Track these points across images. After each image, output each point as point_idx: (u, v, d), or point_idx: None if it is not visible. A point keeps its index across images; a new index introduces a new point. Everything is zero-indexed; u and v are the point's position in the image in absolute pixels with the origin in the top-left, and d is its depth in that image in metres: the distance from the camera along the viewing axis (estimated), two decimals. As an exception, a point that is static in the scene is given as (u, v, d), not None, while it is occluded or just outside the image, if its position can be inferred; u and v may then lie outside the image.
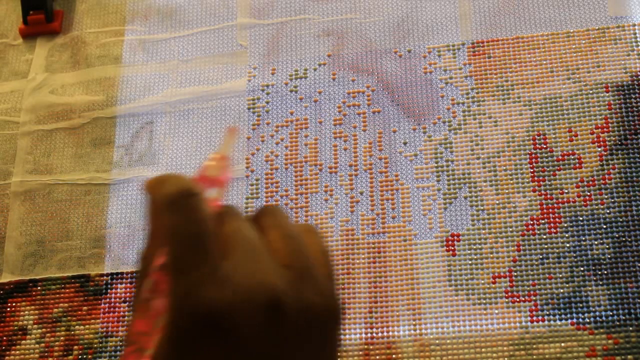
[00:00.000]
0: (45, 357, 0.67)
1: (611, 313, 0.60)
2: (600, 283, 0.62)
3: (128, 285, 0.68)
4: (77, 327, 0.68)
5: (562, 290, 0.62)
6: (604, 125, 0.66)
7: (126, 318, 0.67)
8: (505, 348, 0.61)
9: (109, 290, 0.69)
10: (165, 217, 0.32)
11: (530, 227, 0.64)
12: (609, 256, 0.62)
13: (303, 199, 0.69)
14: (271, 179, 0.70)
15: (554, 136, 0.67)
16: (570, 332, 0.60)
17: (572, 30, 0.70)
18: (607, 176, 0.65)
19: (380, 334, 0.63)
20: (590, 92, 0.68)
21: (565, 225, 0.64)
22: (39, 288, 0.70)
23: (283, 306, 0.31)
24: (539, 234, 0.64)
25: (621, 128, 0.66)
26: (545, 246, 0.63)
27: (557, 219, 0.64)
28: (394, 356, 0.62)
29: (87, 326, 0.67)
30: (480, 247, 0.64)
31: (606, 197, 0.64)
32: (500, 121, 0.68)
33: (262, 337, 0.31)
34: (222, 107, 0.74)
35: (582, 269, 0.62)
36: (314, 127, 0.71)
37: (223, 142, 0.37)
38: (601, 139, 0.66)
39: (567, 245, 0.63)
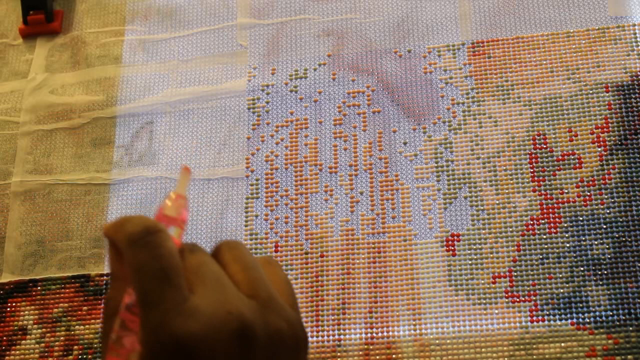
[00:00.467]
0: (45, 357, 0.67)
1: (611, 313, 0.60)
2: (600, 283, 0.62)
3: (128, 285, 0.68)
4: (77, 327, 0.68)
5: (562, 290, 0.62)
6: (604, 125, 0.66)
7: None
8: (505, 348, 0.61)
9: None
10: (130, 255, 0.33)
11: (530, 227, 0.64)
12: (609, 256, 0.62)
13: (303, 199, 0.69)
14: (271, 179, 0.70)
15: (554, 136, 0.67)
16: (570, 332, 0.60)
17: (572, 30, 0.70)
18: (607, 176, 0.65)
19: (380, 334, 0.63)
20: (590, 92, 0.68)
21: (565, 225, 0.64)
22: (39, 288, 0.70)
23: (252, 334, 0.32)
24: (539, 234, 0.64)
25: (621, 128, 0.66)
26: (545, 246, 0.63)
27: (557, 219, 0.64)
28: (394, 356, 0.62)
29: (87, 326, 0.67)
30: (480, 247, 0.64)
31: (606, 197, 0.64)
32: (500, 121, 0.68)
33: None
34: (222, 107, 0.74)
35: (582, 269, 0.62)
36: (314, 127, 0.71)
37: (178, 181, 0.38)
38: (601, 139, 0.66)
39: (567, 245, 0.63)
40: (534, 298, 0.62)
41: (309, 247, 0.67)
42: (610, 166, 0.65)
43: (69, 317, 0.68)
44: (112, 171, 0.73)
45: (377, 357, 0.62)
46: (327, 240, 0.67)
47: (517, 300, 0.62)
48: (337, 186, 0.69)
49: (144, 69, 0.77)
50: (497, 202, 0.65)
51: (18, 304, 0.70)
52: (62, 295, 0.69)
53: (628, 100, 0.67)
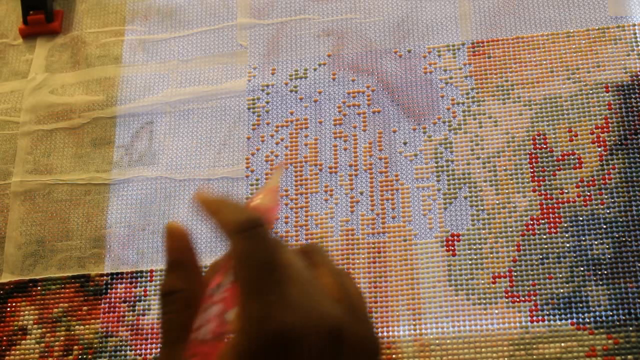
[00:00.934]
0: (45, 357, 0.67)
1: (611, 313, 0.60)
2: (600, 283, 0.62)
3: (128, 285, 0.68)
4: (77, 327, 0.68)
5: (562, 290, 0.62)
6: (604, 125, 0.66)
7: (126, 318, 0.67)
8: (505, 348, 0.61)
9: (109, 290, 0.69)
10: (236, 243, 0.33)
11: (530, 227, 0.64)
12: (609, 256, 0.62)
13: (303, 199, 0.69)
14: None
15: (554, 136, 0.67)
16: (570, 332, 0.60)
17: (572, 30, 0.70)
18: (607, 176, 0.65)
19: (380, 334, 0.63)
20: (590, 92, 0.68)
21: (565, 225, 0.64)
22: (39, 288, 0.70)
23: (343, 336, 0.33)
24: (539, 234, 0.64)
25: (621, 128, 0.66)
26: (545, 246, 0.63)
27: (557, 219, 0.64)
28: (394, 356, 0.62)
29: (87, 326, 0.67)
30: (480, 247, 0.64)
31: (606, 197, 0.64)
32: (500, 121, 0.68)
33: None
34: (222, 107, 0.74)
35: (582, 269, 0.62)
36: (314, 127, 0.71)
37: (272, 175, 0.38)
38: (601, 139, 0.66)
39: (567, 245, 0.63)
40: (534, 298, 0.62)
41: (309, 247, 0.67)
42: (610, 166, 0.65)
43: (69, 317, 0.68)
44: (112, 171, 0.73)
45: (377, 357, 0.62)
46: (327, 240, 0.67)
47: (517, 300, 0.62)
48: (337, 186, 0.69)
49: (144, 69, 0.77)
50: (497, 202, 0.65)
51: (18, 304, 0.70)
52: (62, 295, 0.69)
53: (628, 100, 0.67)
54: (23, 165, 0.75)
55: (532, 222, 0.64)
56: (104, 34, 0.79)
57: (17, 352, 0.68)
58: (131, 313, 0.67)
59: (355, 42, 0.74)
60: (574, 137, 0.66)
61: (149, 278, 0.68)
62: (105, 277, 0.69)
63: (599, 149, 0.66)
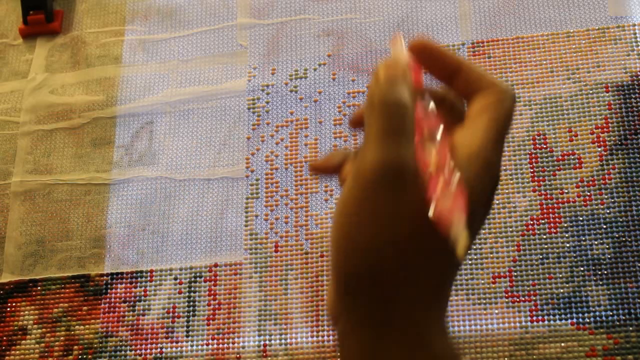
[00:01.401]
0: (45, 357, 0.67)
1: (611, 313, 0.60)
2: (600, 283, 0.62)
3: (128, 285, 0.68)
4: (77, 327, 0.68)
5: (562, 290, 0.62)
6: (604, 125, 0.66)
7: (126, 318, 0.67)
8: (505, 348, 0.61)
9: (109, 290, 0.69)
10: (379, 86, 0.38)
11: (530, 227, 0.64)
12: (609, 256, 0.62)
13: (303, 199, 0.69)
14: (271, 179, 0.70)
15: (554, 136, 0.67)
16: (570, 332, 0.60)
17: (572, 30, 0.70)
18: (607, 176, 0.65)
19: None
20: (590, 92, 0.68)
21: (565, 225, 0.64)
22: (39, 288, 0.70)
23: (473, 155, 0.38)
24: (539, 234, 0.64)
25: (621, 128, 0.66)
26: (545, 246, 0.63)
27: (557, 219, 0.64)
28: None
29: (87, 326, 0.67)
30: (480, 247, 0.64)
31: (606, 197, 0.64)
32: (500, 121, 0.68)
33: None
34: (222, 107, 0.74)
35: (582, 269, 0.62)
36: (314, 127, 0.71)
37: (393, 49, 0.41)
38: (601, 139, 0.66)
39: (567, 245, 0.63)
40: (534, 298, 0.62)
41: (309, 247, 0.67)
42: (610, 166, 0.65)
43: (69, 317, 0.68)
44: (112, 171, 0.73)
45: (377, 357, 0.62)
46: (327, 240, 0.67)
47: (517, 300, 0.62)
48: (337, 186, 0.69)
49: (144, 69, 0.77)
50: (497, 202, 0.65)
51: (18, 304, 0.70)
52: (62, 295, 0.69)
53: (628, 100, 0.67)
54: (23, 165, 0.75)
55: (532, 222, 0.64)
56: (104, 34, 0.79)
57: (17, 352, 0.68)
58: (131, 313, 0.67)
59: (355, 42, 0.74)
60: (574, 137, 0.66)
61: (149, 278, 0.68)
62: (105, 277, 0.69)
63: (599, 149, 0.66)
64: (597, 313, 0.61)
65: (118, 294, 0.68)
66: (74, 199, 0.73)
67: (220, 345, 0.65)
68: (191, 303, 0.67)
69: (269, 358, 0.64)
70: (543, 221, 0.64)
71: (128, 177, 0.73)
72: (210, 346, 0.65)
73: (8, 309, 0.69)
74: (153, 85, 0.76)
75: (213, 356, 0.65)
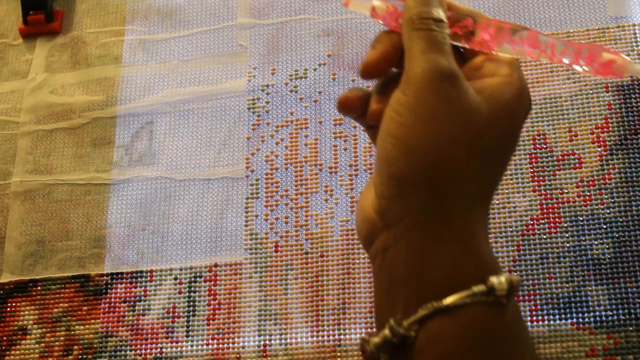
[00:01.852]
0: (45, 357, 0.67)
1: (611, 313, 0.60)
2: (600, 283, 0.62)
3: (128, 285, 0.68)
4: (77, 327, 0.68)
5: (562, 290, 0.62)
6: (604, 125, 0.66)
7: (126, 318, 0.67)
8: (505, 348, 0.61)
9: (109, 290, 0.69)
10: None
11: (530, 227, 0.64)
12: (609, 256, 0.62)
13: (303, 199, 0.69)
14: (271, 179, 0.70)
15: (554, 136, 0.67)
16: (570, 332, 0.60)
17: (572, 30, 0.70)
18: (607, 176, 0.65)
19: (380, 334, 0.63)
20: (590, 92, 0.68)
21: (565, 225, 0.64)
22: (39, 288, 0.70)
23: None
24: (539, 234, 0.64)
25: (621, 128, 0.66)
26: (545, 246, 0.63)
27: (557, 219, 0.64)
28: (394, 356, 0.62)
29: (87, 326, 0.67)
30: (480, 247, 0.64)
31: (606, 197, 0.64)
32: (500, 121, 0.68)
33: None
34: (222, 107, 0.74)
35: (582, 269, 0.62)
36: (314, 127, 0.71)
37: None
38: (601, 139, 0.66)
39: (567, 245, 0.63)
40: (534, 298, 0.62)
41: (309, 247, 0.67)
42: (610, 166, 0.65)
43: (69, 317, 0.68)
44: (112, 171, 0.73)
45: (377, 357, 0.62)
46: (327, 240, 0.67)
47: (517, 300, 0.62)
48: (337, 186, 0.69)
49: (144, 69, 0.77)
50: (497, 202, 0.65)
51: (18, 304, 0.70)
52: (62, 295, 0.69)
53: (628, 100, 0.67)
54: (23, 165, 0.75)
55: (532, 222, 0.64)
56: (104, 34, 0.79)
57: (17, 352, 0.68)
58: (131, 313, 0.67)
59: (355, 42, 0.74)
60: (574, 137, 0.66)
61: (149, 278, 0.68)
62: (105, 277, 0.69)
63: (599, 149, 0.66)
64: (597, 313, 0.61)
65: (118, 294, 0.68)
66: (74, 199, 0.73)
67: (220, 345, 0.65)
68: (191, 303, 0.67)
69: (269, 358, 0.64)
70: (543, 221, 0.64)
71: (128, 177, 0.73)
72: (210, 346, 0.65)
73: (8, 309, 0.69)
74: (153, 85, 0.76)
75: (213, 356, 0.65)
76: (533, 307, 0.62)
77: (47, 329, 0.68)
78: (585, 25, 0.70)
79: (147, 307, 0.67)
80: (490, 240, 0.64)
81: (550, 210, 0.64)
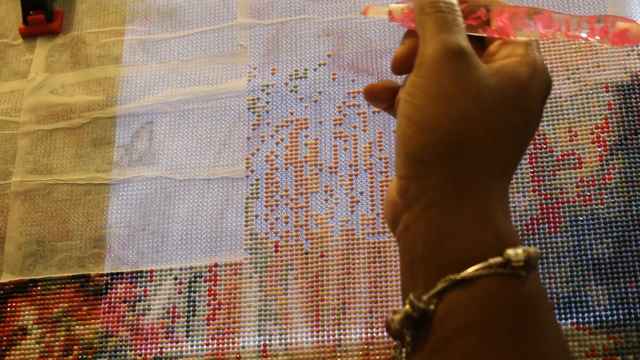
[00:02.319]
0: (45, 357, 0.67)
1: (611, 313, 0.60)
2: (600, 283, 0.62)
3: (128, 285, 0.68)
4: (77, 327, 0.68)
5: (562, 290, 0.62)
6: (604, 125, 0.66)
7: (126, 318, 0.67)
8: (505, 348, 0.61)
9: (109, 290, 0.69)
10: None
11: (530, 227, 0.64)
12: (609, 256, 0.62)
13: (303, 199, 0.69)
14: (271, 179, 0.70)
15: (554, 136, 0.67)
16: (570, 332, 0.60)
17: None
18: (607, 176, 0.65)
19: (380, 334, 0.63)
20: (590, 92, 0.68)
21: (565, 225, 0.64)
22: (39, 288, 0.70)
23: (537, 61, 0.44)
24: (539, 234, 0.64)
25: (621, 128, 0.66)
26: (545, 246, 0.63)
27: (557, 219, 0.64)
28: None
29: (87, 326, 0.67)
30: (480, 247, 0.64)
31: (606, 197, 0.64)
32: (500, 121, 0.68)
33: None
34: (222, 107, 0.74)
35: (582, 269, 0.62)
36: (314, 127, 0.71)
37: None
38: (601, 139, 0.66)
39: (567, 245, 0.63)
40: (534, 298, 0.62)
41: (309, 247, 0.67)
42: (610, 166, 0.65)
43: (69, 317, 0.68)
44: (112, 171, 0.73)
45: (377, 357, 0.62)
46: (327, 240, 0.67)
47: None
48: (337, 186, 0.69)
49: (144, 69, 0.77)
50: (497, 202, 0.65)
51: (18, 304, 0.70)
52: (62, 295, 0.69)
53: (628, 100, 0.67)
54: (23, 165, 0.75)
55: (532, 222, 0.64)
56: (104, 34, 0.79)
57: (17, 352, 0.68)
58: (131, 313, 0.67)
59: (355, 42, 0.74)
60: (574, 137, 0.66)
61: (149, 278, 0.68)
62: (105, 277, 0.69)
63: (599, 149, 0.66)
64: (597, 313, 0.61)
65: (118, 294, 0.68)
66: (74, 199, 0.73)
67: (220, 345, 0.65)
68: (191, 303, 0.67)
69: (269, 358, 0.64)
70: (543, 221, 0.64)
71: (128, 177, 0.73)
72: (210, 346, 0.65)
73: (8, 309, 0.69)
74: (153, 85, 0.76)
75: (213, 356, 0.65)
76: (533, 307, 0.62)
77: (47, 329, 0.68)
78: (585, 25, 0.70)
79: (147, 307, 0.67)
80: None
81: (550, 210, 0.64)
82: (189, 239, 0.69)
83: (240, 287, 0.67)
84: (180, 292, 0.67)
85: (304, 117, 0.72)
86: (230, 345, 0.65)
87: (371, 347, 0.63)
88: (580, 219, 0.64)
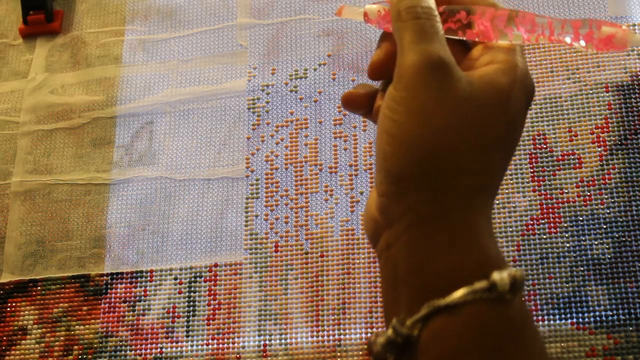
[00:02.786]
0: (45, 357, 0.67)
1: (611, 313, 0.60)
2: (600, 283, 0.62)
3: (128, 285, 0.68)
4: (77, 327, 0.68)
5: (562, 290, 0.62)
6: (604, 125, 0.66)
7: (126, 318, 0.67)
8: (505, 348, 0.61)
9: (109, 290, 0.69)
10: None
11: (530, 227, 0.64)
12: (609, 256, 0.62)
13: (303, 199, 0.69)
14: (271, 179, 0.70)
15: (554, 136, 0.67)
16: (570, 332, 0.60)
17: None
18: (607, 176, 0.65)
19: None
20: (590, 92, 0.68)
21: (565, 225, 0.64)
22: (39, 288, 0.70)
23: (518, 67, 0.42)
24: (539, 234, 0.64)
25: (621, 128, 0.66)
26: (545, 246, 0.63)
27: (557, 219, 0.64)
28: (394, 356, 0.62)
29: (87, 326, 0.67)
30: (480, 247, 0.64)
31: (606, 197, 0.64)
32: (500, 121, 0.68)
33: None
34: (222, 107, 0.74)
35: (582, 269, 0.62)
36: (314, 127, 0.71)
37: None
38: (601, 139, 0.66)
39: (567, 245, 0.63)
40: (534, 298, 0.62)
41: (309, 247, 0.67)
42: (610, 166, 0.65)
43: (69, 317, 0.68)
44: (112, 171, 0.73)
45: (377, 357, 0.62)
46: (327, 240, 0.67)
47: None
48: (337, 186, 0.69)
49: (144, 69, 0.77)
50: (497, 202, 0.65)
51: (18, 304, 0.70)
52: (62, 295, 0.69)
53: (628, 100, 0.67)
54: (23, 165, 0.75)
55: (532, 222, 0.64)
56: (104, 34, 0.79)
57: (17, 352, 0.68)
58: (131, 313, 0.67)
59: (355, 42, 0.74)
60: (574, 137, 0.66)
61: (149, 278, 0.68)
62: (105, 277, 0.69)
63: (599, 149, 0.66)
64: (597, 313, 0.61)
65: (118, 294, 0.68)
66: (74, 199, 0.73)
67: (220, 345, 0.65)
68: (191, 303, 0.67)
69: (269, 358, 0.64)
70: (543, 221, 0.64)
71: (128, 177, 0.73)
72: (210, 346, 0.65)
73: (8, 309, 0.69)
74: (153, 85, 0.76)
75: (213, 356, 0.65)
76: (533, 307, 0.62)
77: (47, 329, 0.68)
78: (585, 25, 0.70)
79: (147, 307, 0.67)
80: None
81: (550, 210, 0.64)
82: (189, 239, 0.69)
83: (240, 287, 0.67)
84: (180, 292, 0.67)
85: (304, 117, 0.72)
86: (230, 345, 0.65)
87: (371, 347, 0.63)
88: (580, 219, 0.64)
